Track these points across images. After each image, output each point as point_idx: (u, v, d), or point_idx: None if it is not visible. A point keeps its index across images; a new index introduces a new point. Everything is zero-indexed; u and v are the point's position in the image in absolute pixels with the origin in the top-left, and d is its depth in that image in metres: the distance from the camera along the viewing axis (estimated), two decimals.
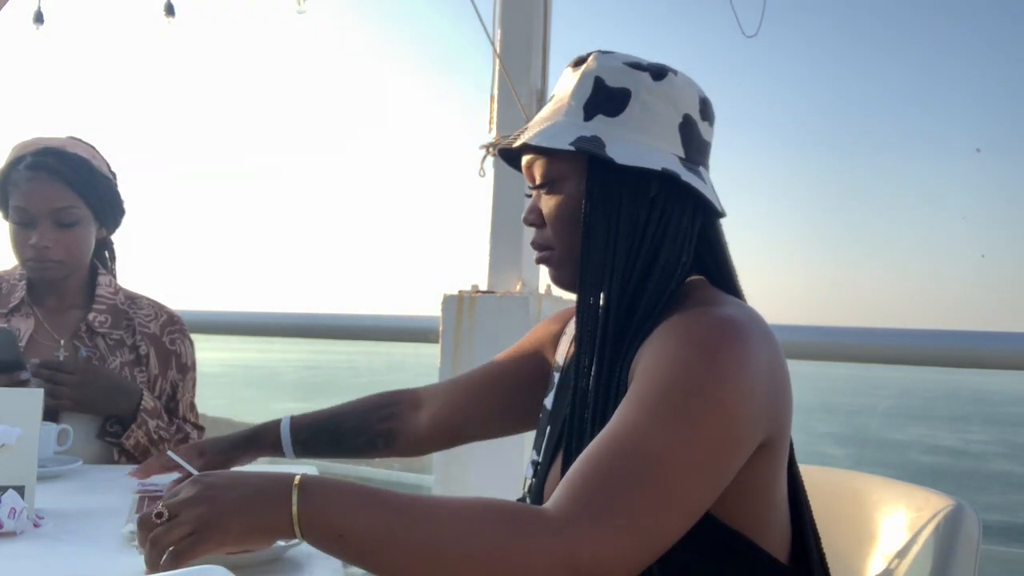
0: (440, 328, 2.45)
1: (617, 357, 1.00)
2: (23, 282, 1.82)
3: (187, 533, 0.83)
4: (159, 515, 0.84)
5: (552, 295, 2.48)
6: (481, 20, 2.40)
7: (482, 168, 2.54)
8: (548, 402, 1.22)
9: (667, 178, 1.02)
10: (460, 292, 2.45)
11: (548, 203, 1.07)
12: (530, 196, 1.13)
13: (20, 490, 1.24)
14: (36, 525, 1.23)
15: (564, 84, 1.09)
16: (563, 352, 1.25)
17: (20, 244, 1.74)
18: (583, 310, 1.04)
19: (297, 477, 0.85)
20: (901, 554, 1.09)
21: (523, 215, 1.12)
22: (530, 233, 1.13)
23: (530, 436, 1.37)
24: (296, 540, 1.14)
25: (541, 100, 2.53)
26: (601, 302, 1.02)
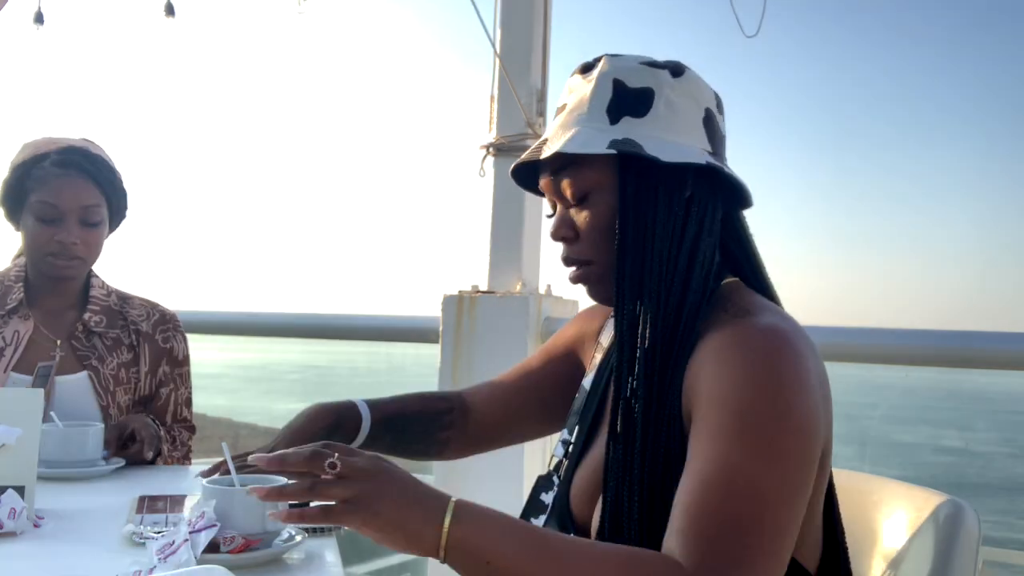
0: (440, 328, 2.45)
1: (666, 365, 0.97)
2: (20, 283, 1.81)
3: (346, 497, 0.85)
4: (332, 465, 0.86)
5: (552, 295, 2.48)
6: (481, 20, 2.40)
7: (482, 168, 2.54)
8: (587, 382, 1.19)
9: (702, 174, 1.00)
10: (460, 292, 2.45)
11: (582, 216, 1.03)
12: (551, 216, 1.08)
13: (20, 490, 1.24)
14: (36, 525, 1.23)
15: (576, 91, 1.04)
16: (609, 334, 1.20)
17: (42, 239, 1.74)
18: (624, 320, 0.99)
19: (454, 499, 0.86)
20: (901, 554, 1.09)
21: (552, 231, 1.06)
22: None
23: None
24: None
25: (541, 100, 2.53)
26: (638, 310, 0.98)
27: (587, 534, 1.03)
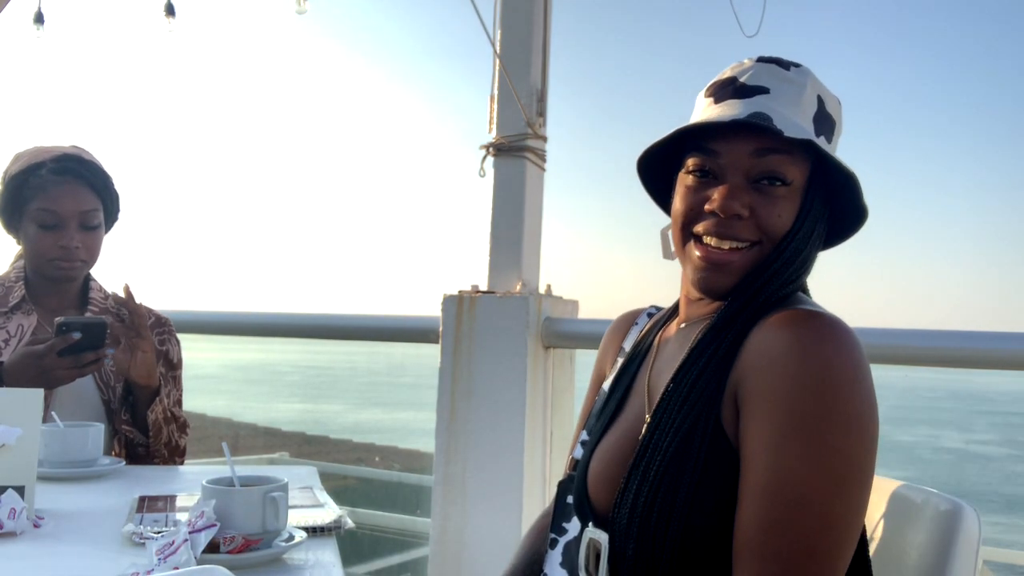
0: (440, 328, 2.45)
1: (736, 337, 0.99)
2: (20, 283, 1.86)
3: None
4: None
5: (552, 295, 2.48)
6: (481, 20, 2.40)
7: (482, 168, 2.54)
8: (607, 385, 1.21)
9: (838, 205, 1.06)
10: (460, 292, 2.45)
11: (766, 201, 1.02)
12: (704, 180, 1.04)
13: (20, 490, 1.24)
14: (36, 525, 1.23)
15: (776, 80, 1.04)
16: (632, 340, 1.23)
17: (45, 245, 1.80)
18: (735, 306, 1.01)
19: None
20: (901, 554, 1.09)
21: (725, 203, 1.01)
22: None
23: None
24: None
25: (541, 100, 2.53)
26: (753, 295, 1.01)
27: (605, 521, 1.03)
